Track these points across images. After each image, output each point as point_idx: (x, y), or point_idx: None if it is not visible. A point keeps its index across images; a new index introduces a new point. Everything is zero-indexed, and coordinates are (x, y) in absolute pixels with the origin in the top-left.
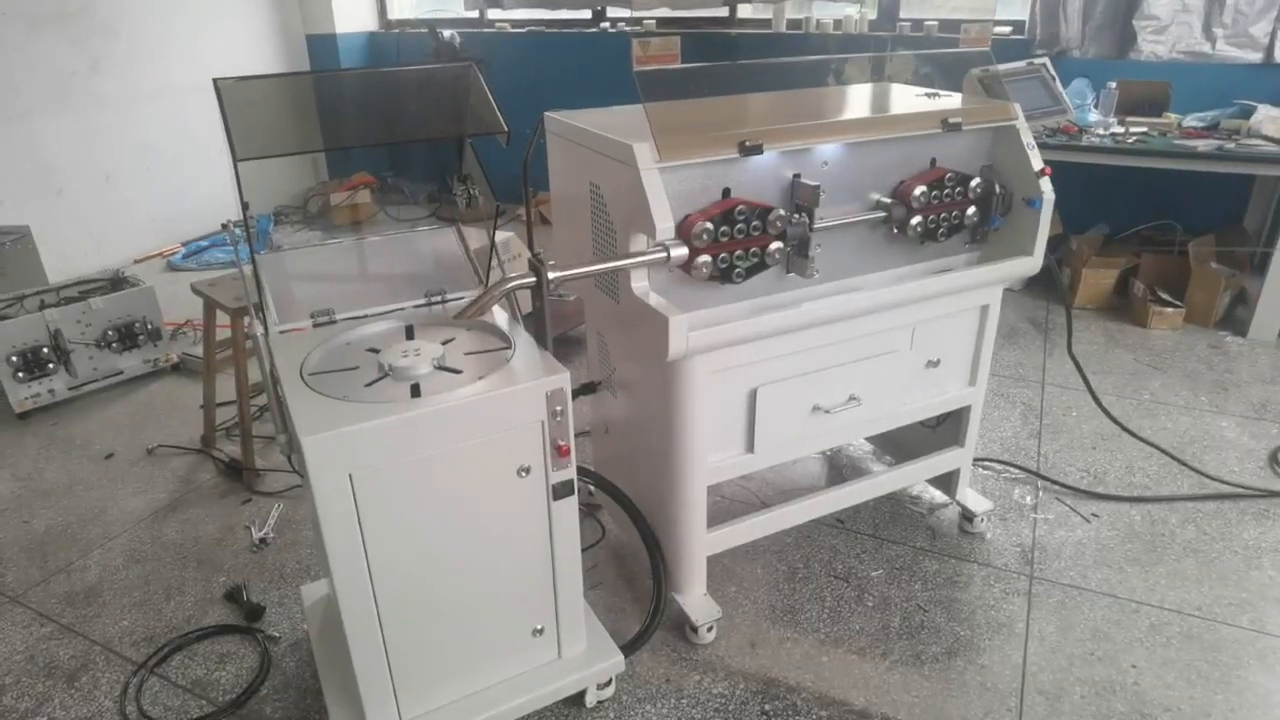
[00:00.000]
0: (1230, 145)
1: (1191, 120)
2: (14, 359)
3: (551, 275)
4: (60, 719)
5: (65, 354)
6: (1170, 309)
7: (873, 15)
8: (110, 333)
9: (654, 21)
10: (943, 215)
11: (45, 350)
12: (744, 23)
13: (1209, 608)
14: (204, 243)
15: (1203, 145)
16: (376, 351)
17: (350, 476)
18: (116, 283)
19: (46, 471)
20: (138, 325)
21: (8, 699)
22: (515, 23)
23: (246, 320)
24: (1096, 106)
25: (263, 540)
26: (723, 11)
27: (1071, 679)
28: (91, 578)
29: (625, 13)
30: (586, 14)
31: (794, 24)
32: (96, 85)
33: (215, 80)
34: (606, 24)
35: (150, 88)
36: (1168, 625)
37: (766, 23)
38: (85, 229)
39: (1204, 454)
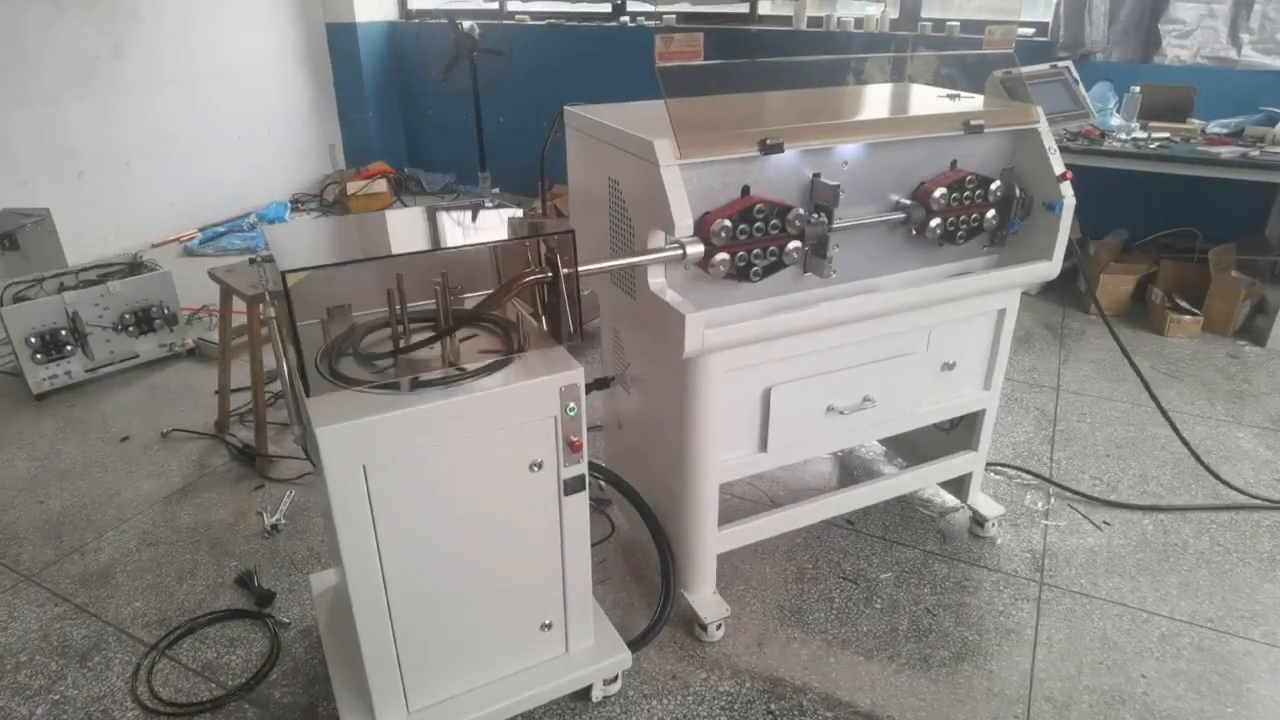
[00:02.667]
0: (1254, 153)
1: (1215, 127)
2: (33, 340)
3: (567, 270)
4: (73, 698)
5: (83, 336)
6: (1188, 317)
7: (894, 14)
8: (127, 316)
9: (674, 16)
10: (962, 218)
11: (63, 332)
12: (764, 19)
13: (1221, 619)
14: (221, 228)
15: (1226, 152)
16: (392, 343)
17: (364, 468)
18: (134, 267)
19: (63, 452)
20: (155, 309)
21: (22, 676)
22: (535, 15)
23: (262, 307)
24: (1119, 111)
25: (274, 526)
26: (743, 7)
27: (1080, 687)
28: (105, 559)
29: (645, 7)
30: (606, 7)
31: (815, 21)
32: (119, 70)
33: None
34: (626, 18)
35: (171, 73)
36: (1179, 636)
37: (787, 19)
38: (105, 212)
39: (1219, 464)
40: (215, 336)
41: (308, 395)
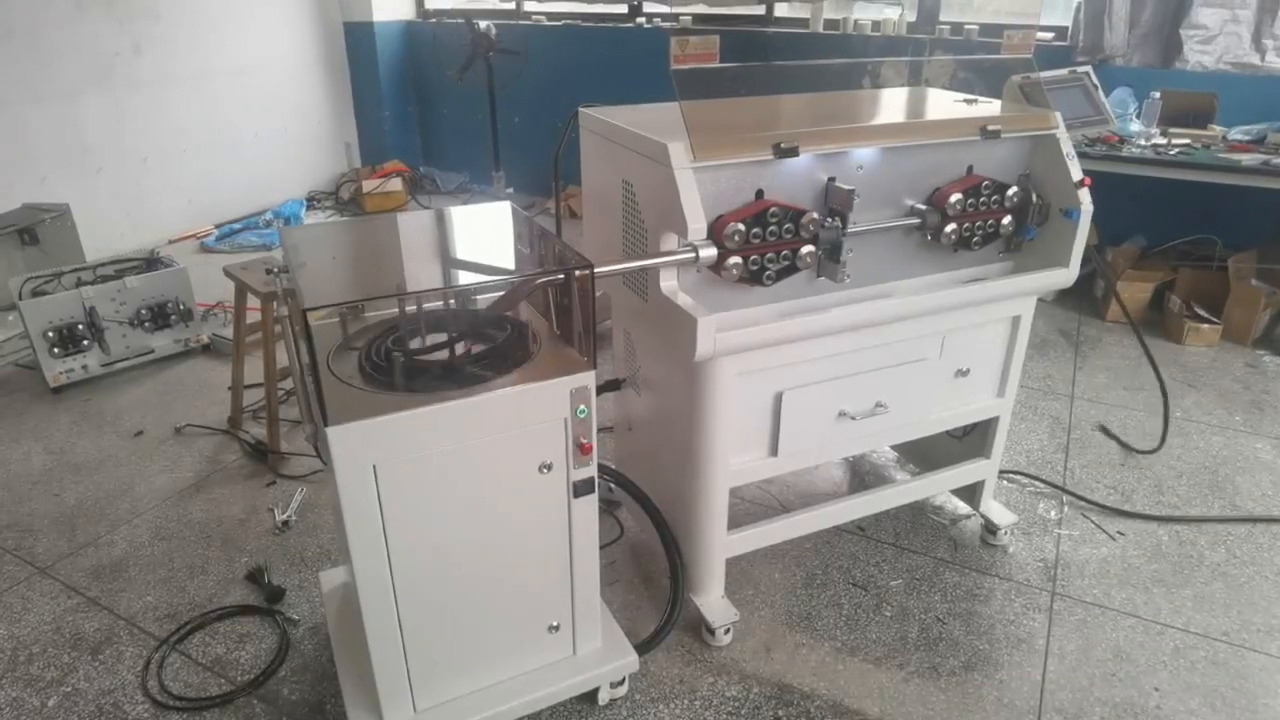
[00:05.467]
0: (1276, 160)
1: (1237, 133)
2: (50, 334)
3: (580, 272)
4: (84, 690)
5: (99, 331)
6: (1207, 325)
7: (912, 17)
8: (143, 312)
9: (690, 18)
10: (978, 224)
11: (80, 327)
12: (780, 21)
13: (1236, 633)
14: (236, 225)
15: (1247, 159)
16: (404, 342)
17: (374, 467)
18: (151, 263)
19: (78, 446)
20: (170, 305)
21: (35, 668)
22: (551, 15)
23: (275, 305)
24: (1139, 116)
25: (285, 523)
26: (759, 10)
27: (1091, 699)
28: (118, 552)
29: (661, 8)
30: (622, 8)
31: (831, 24)
32: (138, 67)
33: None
34: (642, 19)
35: (190, 71)
36: (1193, 649)
37: (803, 22)
38: (122, 209)
39: (1237, 476)
40: (229, 333)
41: (319, 397)
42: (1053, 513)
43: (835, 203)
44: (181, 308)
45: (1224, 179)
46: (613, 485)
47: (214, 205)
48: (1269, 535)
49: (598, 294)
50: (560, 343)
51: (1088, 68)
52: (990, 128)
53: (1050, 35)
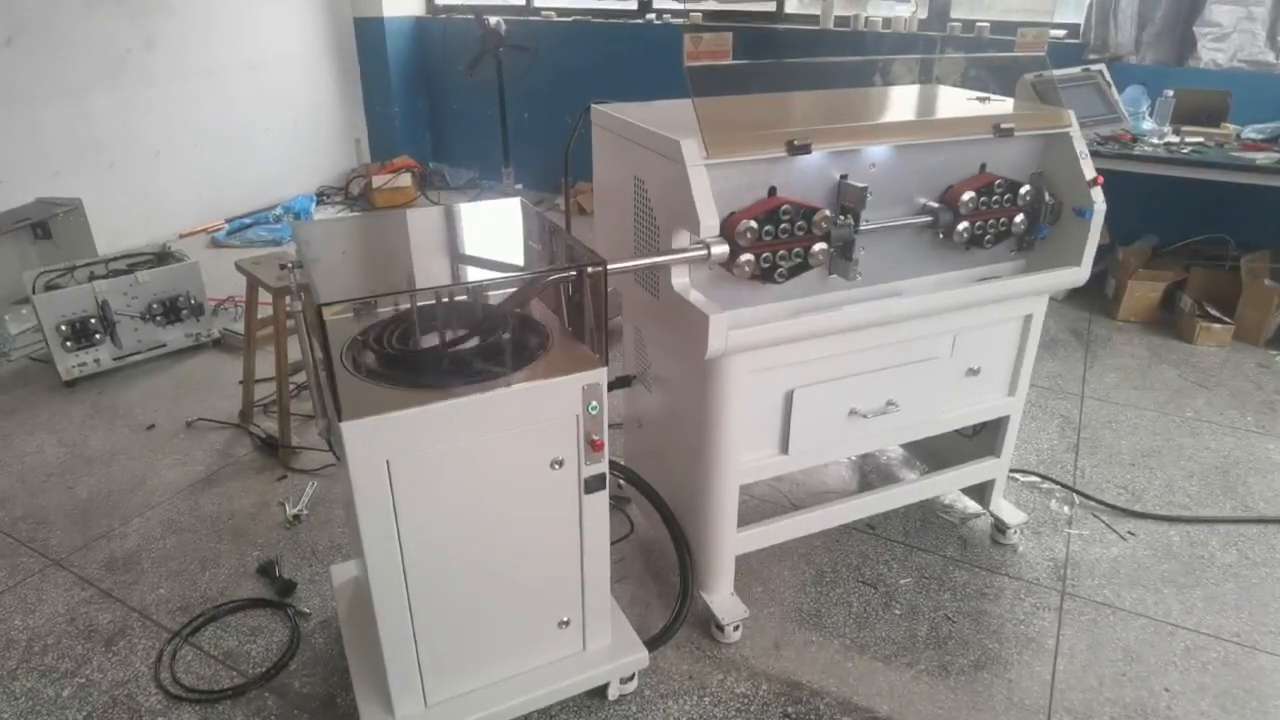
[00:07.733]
0: None
1: (1251, 132)
2: (63, 328)
3: (592, 269)
4: (98, 681)
5: (112, 325)
6: (1218, 325)
7: (923, 14)
8: (155, 306)
9: (700, 15)
10: (990, 222)
11: (93, 321)
12: (791, 18)
13: (1248, 634)
14: (247, 220)
15: (1261, 158)
16: (416, 338)
17: (387, 463)
18: (163, 257)
19: (91, 439)
20: (182, 299)
21: (49, 659)
22: (561, 11)
23: (288, 299)
24: (1151, 115)
25: (296, 517)
26: (770, 6)
27: (1101, 699)
28: (131, 545)
29: (672, 4)
30: (633, 4)
31: (842, 21)
32: (150, 62)
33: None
34: (652, 15)
35: (201, 66)
36: (1204, 650)
37: (814, 19)
38: (134, 203)
39: (1249, 476)
40: (241, 327)
41: (333, 392)
42: (1063, 512)
43: (847, 200)
44: (193, 302)
45: (1237, 178)
46: (623, 482)
47: (225, 200)
48: None
49: (609, 290)
50: (572, 339)
51: (1101, 66)
52: (1003, 126)
53: (1063, 33)
